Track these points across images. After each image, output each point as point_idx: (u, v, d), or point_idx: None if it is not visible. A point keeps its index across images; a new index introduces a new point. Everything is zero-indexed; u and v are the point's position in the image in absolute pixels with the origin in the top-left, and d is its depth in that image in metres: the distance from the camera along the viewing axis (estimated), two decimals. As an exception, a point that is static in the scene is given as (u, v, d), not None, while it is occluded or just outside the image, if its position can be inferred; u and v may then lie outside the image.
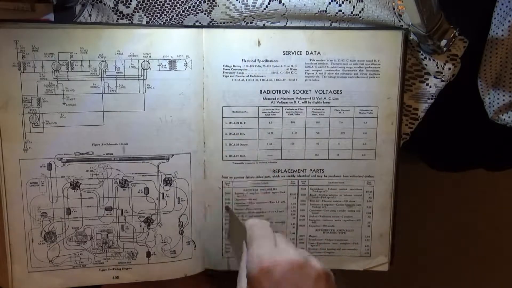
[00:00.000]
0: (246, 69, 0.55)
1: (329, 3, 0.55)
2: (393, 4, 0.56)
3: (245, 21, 0.56)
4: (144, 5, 0.54)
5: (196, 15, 0.55)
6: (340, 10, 0.56)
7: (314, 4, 0.55)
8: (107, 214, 0.54)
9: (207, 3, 0.54)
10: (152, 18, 0.55)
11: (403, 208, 0.61)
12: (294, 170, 0.58)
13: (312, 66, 0.56)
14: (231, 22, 0.56)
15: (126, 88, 0.53)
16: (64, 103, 0.52)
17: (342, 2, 0.55)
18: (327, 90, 0.56)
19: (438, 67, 0.57)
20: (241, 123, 0.56)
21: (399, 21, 0.57)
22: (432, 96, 0.59)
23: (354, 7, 0.56)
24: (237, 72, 0.55)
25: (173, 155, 0.55)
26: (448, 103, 0.61)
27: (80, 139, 0.52)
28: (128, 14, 0.54)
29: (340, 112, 0.57)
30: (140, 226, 0.55)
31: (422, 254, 1.10)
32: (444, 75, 0.57)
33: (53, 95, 0.51)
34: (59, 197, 0.53)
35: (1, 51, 0.50)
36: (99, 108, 0.52)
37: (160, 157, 0.54)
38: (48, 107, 0.51)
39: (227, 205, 0.56)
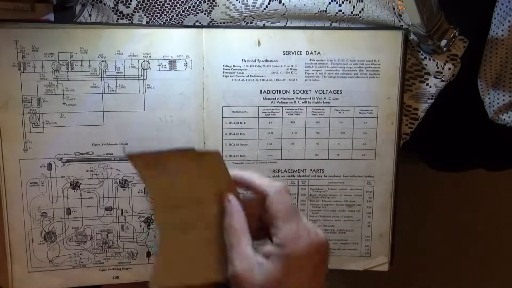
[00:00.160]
0: (246, 69, 0.55)
1: (329, 3, 0.55)
2: (393, 4, 0.56)
3: (245, 21, 0.56)
4: (144, 5, 0.54)
5: (196, 15, 0.55)
6: (340, 10, 0.56)
7: (314, 4, 0.55)
8: (107, 214, 0.54)
9: (207, 3, 0.54)
10: (152, 18, 0.55)
11: (403, 208, 0.61)
12: (294, 170, 0.58)
13: (312, 66, 0.56)
14: (231, 22, 0.56)
15: (126, 88, 0.53)
16: (64, 103, 0.52)
17: (342, 2, 0.55)
18: (327, 90, 0.56)
19: (438, 67, 0.57)
20: (241, 123, 0.56)
21: (399, 21, 0.57)
22: (432, 96, 0.59)
23: (354, 7, 0.56)
24: (237, 72, 0.55)
25: (173, 155, 0.54)
26: (448, 103, 0.61)
27: (80, 139, 0.52)
28: (128, 14, 0.54)
29: (340, 112, 0.57)
30: (140, 226, 0.55)
31: (422, 254, 1.10)
32: (444, 75, 0.57)
33: (53, 95, 0.51)
34: (59, 197, 0.53)
35: (1, 51, 0.50)
36: (99, 108, 0.52)
37: (160, 157, 0.54)
38: (48, 107, 0.51)
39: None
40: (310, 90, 0.56)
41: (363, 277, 0.64)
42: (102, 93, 0.52)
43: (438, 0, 0.51)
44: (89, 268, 0.55)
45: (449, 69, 0.57)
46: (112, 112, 0.53)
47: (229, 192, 0.45)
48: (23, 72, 0.51)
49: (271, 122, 0.57)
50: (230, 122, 0.56)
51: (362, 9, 0.56)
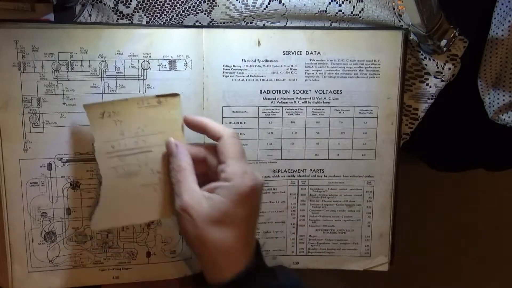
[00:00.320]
0: (246, 69, 0.55)
1: (329, 3, 0.55)
2: (393, 4, 0.56)
3: (245, 21, 0.56)
4: (144, 5, 0.54)
5: (196, 15, 0.55)
6: (340, 10, 0.56)
7: (314, 4, 0.55)
8: (107, 214, 0.54)
9: (207, 3, 0.54)
10: (152, 18, 0.55)
11: (403, 208, 0.61)
12: (294, 170, 0.58)
13: (312, 66, 0.56)
14: (231, 22, 0.56)
15: (126, 88, 0.53)
16: (64, 103, 0.52)
17: (342, 2, 0.56)
18: (327, 90, 0.57)
19: (438, 67, 0.57)
20: (241, 123, 0.56)
21: (399, 21, 0.57)
22: (432, 96, 0.59)
23: (354, 7, 0.56)
24: (237, 72, 0.55)
25: (173, 155, 0.54)
26: (448, 103, 0.61)
27: (80, 139, 0.52)
28: (128, 14, 0.54)
29: (340, 112, 0.57)
30: (140, 226, 0.55)
31: (422, 254, 1.10)
32: (444, 75, 0.57)
33: (53, 95, 0.51)
34: (59, 197, 0.53)
35: (1, 51, 0.50)
36: (99, 108, 0.52)
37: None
38: (48, 107, 0.51)
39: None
40: (310, 90, 0.56)
41: (363, 277, 0.64)
42: (102, 93, 0.52)
43: (438, 0, 0.51)
44: (89, 268, 0.55)
45: (449, 69, 0.57)
46: (112, 112, 0.53)
47: (179, 137, 0.49)
48: (23, 72, 0.51)
49: (271, 122, 0.57)
50: (230, 122, 0.56)
51: (362, 9, 0.56)
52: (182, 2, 0.54)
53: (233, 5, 0.54)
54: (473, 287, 1.16)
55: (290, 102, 0.56)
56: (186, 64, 0.53)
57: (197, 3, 0.54)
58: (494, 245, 1.13)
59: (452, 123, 0.68)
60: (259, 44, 0.55)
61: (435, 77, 0.58)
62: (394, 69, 0.56)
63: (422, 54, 0.57)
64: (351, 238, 0.60)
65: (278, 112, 0.56)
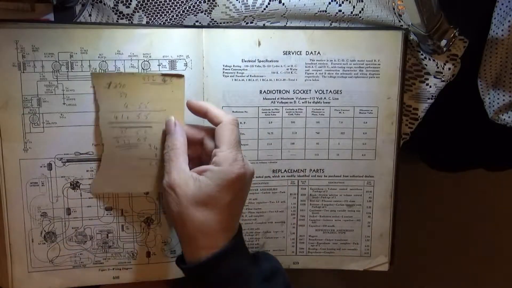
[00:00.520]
0: (246, 69, 0.55)
1: (329, 3, 0.55)
2: (393, 4, 0.56)
3: (245, 21, 0.56)
4: (144, 5, 0.54)
5: (196, 15, 0.55)
6: (340, 10, 0.56)
7: (314, 4, 0.55)
8: (107, 214, 0.54)
9: (207, 3, 0.54)
10: (152, 18, 0.55)
11: (403, 208, 0.61)
12: (294, 170, 0.58)
13: (312, 66, 0.56)
14: (231, 22, 0.56)
15: (126, 88, 0.53)
16: (64, 103, 0.52)
17: (342, 2, 0.56)
18: (327, 90, 0.57)
19: (438, 67, 0.57)
20: (241, 123, 0.56)
21: (399, 21, 0.57)
22: (432, 96, 0.59)
23: (354, 7, 0.56)
24: (237, 72, 0.55)
25: (173, 155, 0.54)
26: (448, 103, 0.61)
27: (80, 139, 0.52)
28: (128, 14, 0.54)
29: (340, 112, 0.57)
30: (140, 226, 0.55)
31: (422, 254, 1.10)
32: (444, 75, 0.57)
33: (53, 95, 0.51)
34: (59, 197, 0.53)
35: (1, 51, 0.50)
36: (99, 108, 0.53)
37: (160, 157, 0.54)
38: (48, 107, 0.51)
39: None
40: (310, 90, 0.56)
41: (363, 277, 0.64)
42: (102, 93, 0.52)
43: (438, 0, 0.51)
44: (89, 268, 0.55)
45: (449, 69, 0.57)
46: (112, 112, 0.53)
47: (179, 117, 0.51)
48: (23, 72, 0.51)
49: (271, 122, 0.57)
50: (230, 122, 0.56)
51: (362, 9, 0.56)
52: (182, 2, 0.54)
53: (233, 5, 0.54)
54: (473, 287, 1.16)
55: (290, 102, 0.56)
56: (186, 64, 0.53)
57: (197, 3, 0.54)
58: (494, 245, 1.13)
59: (452, 123, 0.68)
60: (259, 44, 0.55)
61: (435, 77, 0.58)
62: (394, 69, 0.56)
63: (422, 54, 0.57)
64: (351, 238, 0.60)
65: (278, 112, 0.56)
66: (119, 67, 0.52)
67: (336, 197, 0.59)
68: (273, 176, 0.58)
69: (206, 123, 0.52)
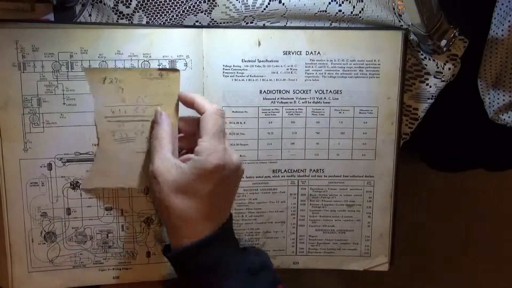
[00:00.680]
0: (246, 69, 0.55)
1: (329, 3, 0.55)
2: (393, 4, 0.56)
3: (245, 21, 0.56)
4: (144, 5, 0.54)
5: (196, 15, 0.55)
6: (340, 10, 0.56)
7: (314, 4, 0.55)
8: (107, 214, 0.54)
9: (207, 3, 0.54)
10: (152, 18, 0.55)
11: (403, 208, 0.61)
12: (294, 170, 0.58)
13: (312, 66, 0.56)
14: (231, 22, 0.56)
15: (126, 88, 0.53)
16: (64, 103, 0.52)
17: (342, 2, 0.56)
18: (327, 90, 0.57)
19: (438, 67, 0.57)
20: (241, 123, 0.56)
21: (399, 21, 0.57)
22: (432, 96, 0.59)
23: (354, 7, 0.56)
24: (237, 72, 0.55)
25: (173, 155, 0.55)
26: (448, 103, 0.61)
27: (80, 139, 0.52)
28: (128, 14, 0.54)
29: (340, 112, 0.57)
30: (140, 226, 0.55)
31: (422, 254, 1.10)
32: (444, 75, 0.57)
33: (53, 95, 0.51)
34: (59, 197, 0.53)
35: (1, 51, 0.50)
36: (99, 108, 0.53)
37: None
38: (48, 107, 0.51)
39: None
40: (310, 90, 0.56)
41: (363, 277, 0.64)
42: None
43: (438, 0, 0.51)
44: (89, 268, 0.55)
45: (449, 69, 0.57)
46: (112, 112, 0.53)
47: (175, 110, 0.52)
48: (23, 72, 0.51)
49: (271, 122, 0.57)
50: (230, 122, 0.56)
51: (362, 9, 0.56)
52: (182, 2, 0.54)
53: (233, 5, 0.54)
54: (473, 287, 1.16)
55: (290, 102, 0.56)
56: (186, 64, 0.53)
57: (197, 3, 0.54)
58: (494, 245, 1.13)
59: (452, 123, 0.68)
60: (259, 44, 0.55)
61: (435, 77, 0.58)
62: (394, 69, 0.56)
63: (422, 54, 0.57)
64: (351, 238, 0.60)
65: (278, 112, 0.56)
66: (119, 67, 0.52)
67: (336, 197, 0.59)
68: (273, 176, 0.58)
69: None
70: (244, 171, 0.51)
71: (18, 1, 0.51)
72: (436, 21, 0.53)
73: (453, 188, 1.08)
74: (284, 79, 0.56)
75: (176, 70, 0.52)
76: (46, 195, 0.53)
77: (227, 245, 0.49)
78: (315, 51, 0.56)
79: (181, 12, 0.55)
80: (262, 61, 0.55)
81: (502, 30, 0.58)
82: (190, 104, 0.51)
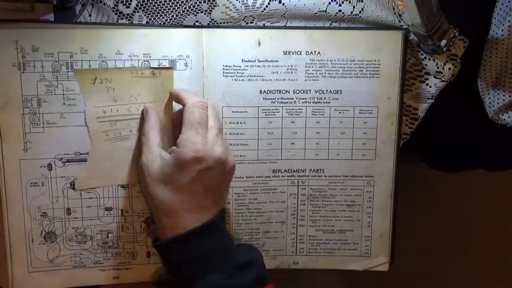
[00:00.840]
0: (246, 69, 0.55)
1: (329, 3, 0.55)
2: (393, 4, 0.56)
3: (245, 21, 0.56)
4: (144, 5, 0.54)
5: (196, 15, 0.55)
6: (340, 10, 0.56)
7: (314, 4, 0.55)
8: (107, 214, 0.54)
9: (207, 3, 0.54)
10: (152, 18, 0.55)
11: (403, 208, 0.61)
12: (294, 170, 0.58)
13: (312, 66, 0.56)
14: (231, 22, 0.56)
15: (126, 88, 0.53)
16: (64, 103, 0.52)
17: (342, 2, 0.56)
18: (327, 90, 0.57)
19: (438, 67, 0.57)
20: (241, 123, 0.56)
21: (399, 21, 0.57)
22: (432, 96, 0.59)
23: (354, 7, 0.56)
24: (237, 72, 0.55)
25: (173, 155, 0.54)
26: (448, 103, 0.61)
27: (80, 139, 0.52)
28: (128, 14, 0.54)
29: (340, 112, 0.57)
30: (140, 226, 0.55)
31: (422, 254, 1.10)
32: (444, 75, 0.57)
33: (53, 95, 0.51)
34: (59, 197, 0.53)
35: (1, 51, 0.50)
36: (99, 108, 0.52)
37: (160, 157, 0.54)
38: (48, 107, 0.51)
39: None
40: (310, 90, 0.56)
41: (363, 277, 0.64)
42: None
43: (438, 0, 0.51)
44: (89, 268, 0.55)
45: (449, 69, 0.57)
46: (112, 112, 0.53)
47: (169, 108, 0.53)
48: (23, 72, 0.51)
49: (271, 122, 0.57)
50: (230, 122, 0.56)
51: (362, 9, 0.56)
52: (182, 2, 0.54)
53: (233, 5, 0.54)
54: (473, 287, 1.16)
55: (290, 102, 0.56)
56: (186, 64, 0.53)
57: (197, 3, 0.54)
58: (494, 245, 1.13)
59: (452, 123, 0.68)
60: (259, 44, 0.55)
61: (435, 77, 0.58)
62: (394, 69, 0.56)
63: (422, 54, 0.57)
64: (351, 238, 0.60)
65: (278, 112, 0.56)
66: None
67: (336, 197, 0.59)
68: (273, 176, 0.58)
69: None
70: (234, 168, 0.52)
71: (18, 1, 0.51)
72: (436, 21, 0.53)
73: (453, 188, 1.08)
74: (284, 79, 0.56)
75: (169, 68, 0.52)
76: (46, 195, 0.53)
77: (213, 239, 0.49)
78: (315, 51, 0.56)
79: (181, 12, 0.55)
80: (262, 61, 0.55)
81: (502, 30, 0.58)
82: (176, 100, 0.52)
